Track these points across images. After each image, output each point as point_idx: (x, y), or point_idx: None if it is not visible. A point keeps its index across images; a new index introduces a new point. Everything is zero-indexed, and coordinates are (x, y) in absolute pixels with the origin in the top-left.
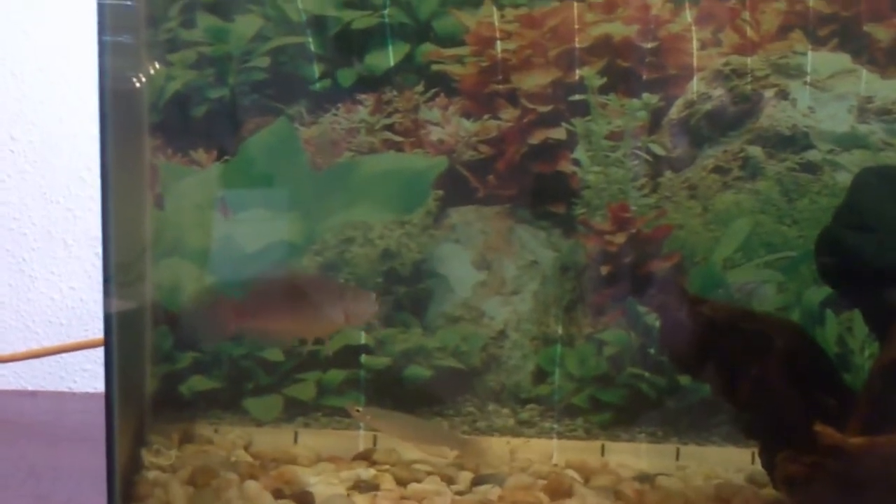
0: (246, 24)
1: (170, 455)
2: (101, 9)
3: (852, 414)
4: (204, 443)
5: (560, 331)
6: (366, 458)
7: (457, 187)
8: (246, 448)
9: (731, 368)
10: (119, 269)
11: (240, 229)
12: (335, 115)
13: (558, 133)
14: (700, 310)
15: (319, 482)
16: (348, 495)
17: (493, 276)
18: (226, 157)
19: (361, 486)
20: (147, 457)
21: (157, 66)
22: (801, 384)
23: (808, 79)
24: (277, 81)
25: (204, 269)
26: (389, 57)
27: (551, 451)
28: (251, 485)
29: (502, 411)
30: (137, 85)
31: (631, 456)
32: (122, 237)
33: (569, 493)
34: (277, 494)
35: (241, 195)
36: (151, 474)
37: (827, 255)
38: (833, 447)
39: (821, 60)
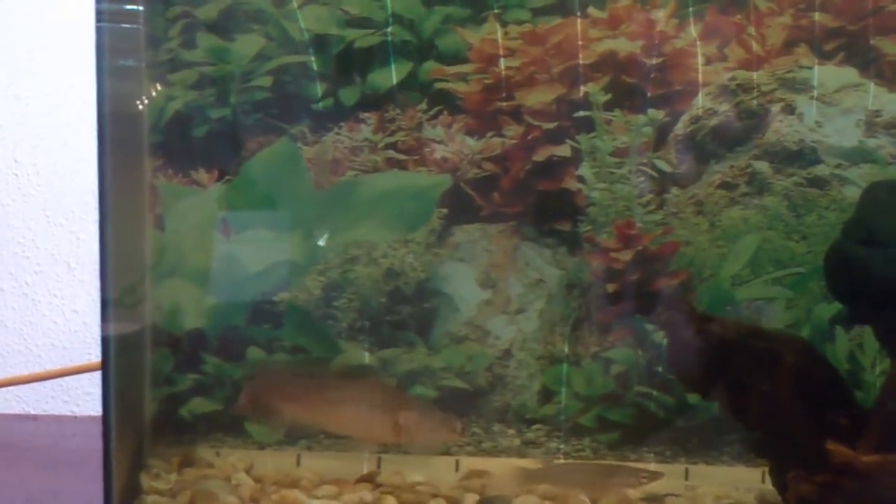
0: (247, 44)
1: (169, 479)
2: (100, 31)
3: (864, 432)
4: (204, 466)
5: (566, 349)
6: (370, 480)
7: (461, 205)
8: (247, 471)
9: (740, 386)
10: (118, 292)
11: (242, 249)
12: (338, 133)
13: (563, 150)
14: (708, 327)
15: None
16: None
17: (499, 295)
18: (228, 177)
19: None
20: (146, 481)
21: (158, 86)
22: (811, 402)
23: (815, 93)
24: (280, 101)
25: (205, 290)
26: (392, 75)
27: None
28: None
29: (508, 431)
30: (139, 106)
31: None
32: (122, 259)
33: None
34: None
35: (243, 215)
36: (150, 499)
37: (836, 271)
38: (845, 466)
39: (827, 74)
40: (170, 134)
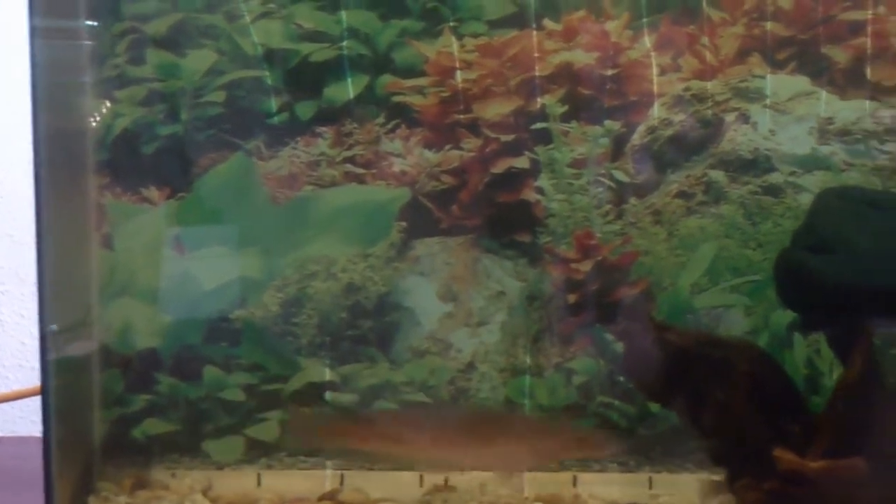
0: (199, 59)
1: (118, 502)
2: (34, 48)
3: (814, 438)
4: (159, 488)
5: (529, 361)
6: (332, 498)
7: (420, 218)
8: (205, 492)
9: (696, 395)
10: (61, 313)
11: (197, 267)
12: (294, 148)
13: (521, 162)
14: (665, 336)
15: None
16: None
17: (460, 308)
18: (180, 194)
19: None
20: None
21: (104, 103)
22: (764, 410)
23: (768, 102)
24: (233, 116)
25: (158, 308)
26: (349, 89)
27: (522, 483)
28: None
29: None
30: (84, 124)
31: (603, 486)
32: (64, 279)
33: None
34: None
35: (197, 232)
36: None
37: (786, 278)
38: (792, 473)
39: (780, 83)
40: (117, 151)
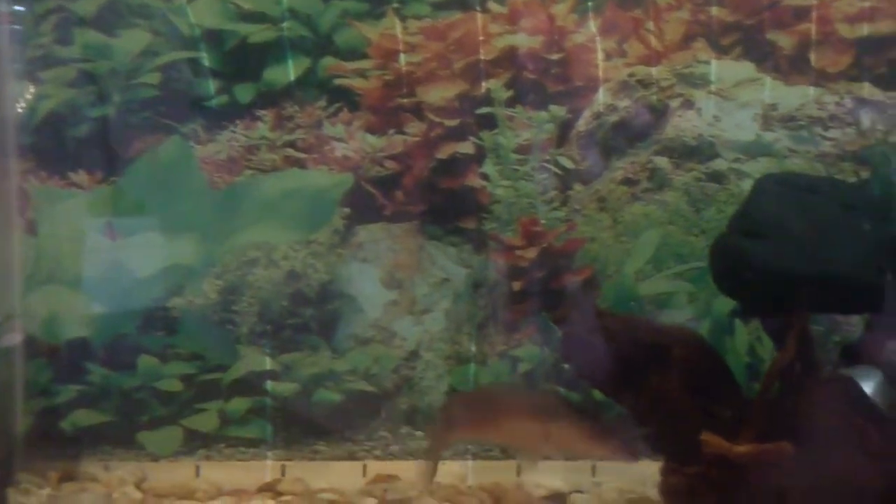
0: (132, 40)
1: (41, 494)
2: None
3: (746, 422)
4: (88, 480)
5: (473, 349)
6: (271, 489)
7: (363, 205)
8: (139, 484)
9: (633, 381)
10: None
11: (130, 254)
12: (233, 132)
13: (466, 147)
14: (602, 323)
15: None
16: None
17: (404, 295)
18: (112, 179)
19: None
20: (14, 497)
21: (28, 86)
22: (698, 395)
23: (713, 88)
24: (169, 98)
25: (88, 297)
26: (289, 71)
27: (467, 472)
28: None
29: (416, 434)
30: (2, 107)
31: (547, 474)
32: None
33: None
34: None
35: (131, 218)
36: None
37: (720, 263)
38: (717, 457)
39: (725, 69)
40: (43, 135)
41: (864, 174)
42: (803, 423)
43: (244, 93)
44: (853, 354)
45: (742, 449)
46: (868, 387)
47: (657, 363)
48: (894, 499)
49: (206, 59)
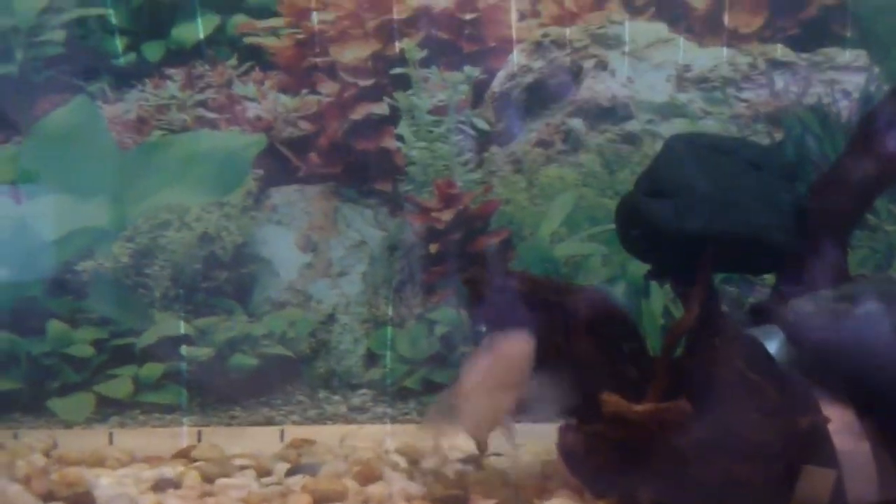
0: None
1: None
2: None
3: (651, 382)
4: None
5: (390, 312)
6: (186, 455)
7: (277, 166)
8: (48, 452)
9: (541, 342)
10: None
11: (36, 216)
12: (142, 91)
13: (380, 108)
14: (511, 284)
15: (113, 483)
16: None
17: (320, 258)
18: (16, 139)
19: (160, 485)
20: None
21: None
22: (603, 355)
23: (627, 49)
24: (75, 56)
25: None
26: (199, 29)
27: (384, 436)
28: (12, 488)
29: (334, 398)
30: None
31: (464, 437)
32: None
33: (378, 479)
34: (49, 497)
35: (36, 179)
36: None
37: (625, 222)
38: (616, 415)
39: (638, 30)
40: None
41: (779, 136)
42: (704, 382)
43: (153, 51)
44: (760, 314)
45: (640, 408)
46: (771, 346)
47: (562, 323)
48: (790, 455)
49: (113, 16)
